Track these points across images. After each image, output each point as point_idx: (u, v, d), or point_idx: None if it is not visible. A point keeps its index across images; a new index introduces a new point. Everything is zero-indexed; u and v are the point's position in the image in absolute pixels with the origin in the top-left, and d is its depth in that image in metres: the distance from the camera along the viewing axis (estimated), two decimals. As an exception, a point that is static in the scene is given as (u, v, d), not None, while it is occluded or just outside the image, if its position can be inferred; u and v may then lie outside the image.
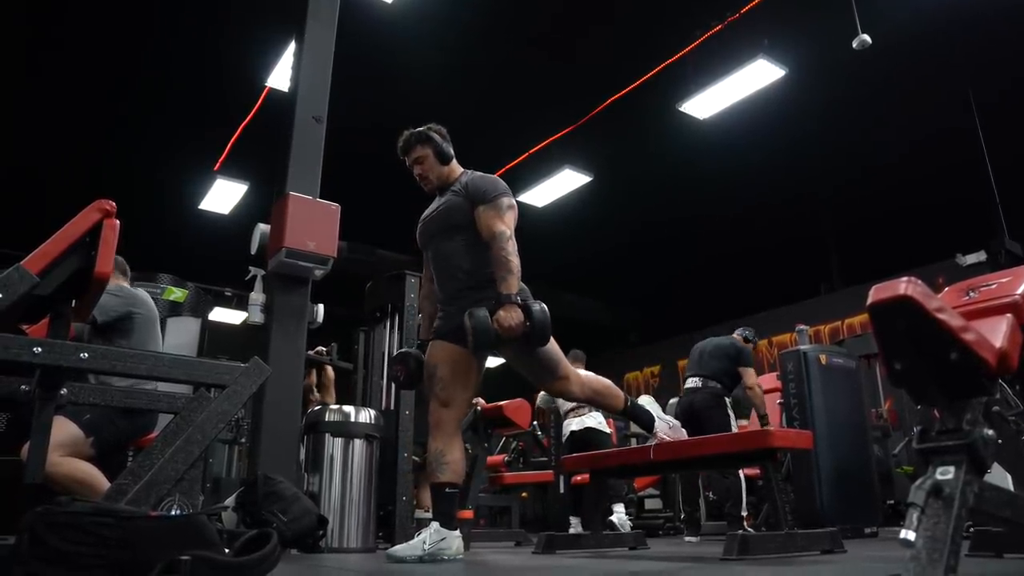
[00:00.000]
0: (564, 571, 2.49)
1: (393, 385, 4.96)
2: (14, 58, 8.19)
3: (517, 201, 3.05)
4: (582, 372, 3.29)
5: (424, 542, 2.68)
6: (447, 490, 2.81)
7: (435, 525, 2.74)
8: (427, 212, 3.19)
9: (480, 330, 2.65)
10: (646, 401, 3.51)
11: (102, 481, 2.84)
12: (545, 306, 2.79)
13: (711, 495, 7.29)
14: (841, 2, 7.05)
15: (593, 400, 3.28)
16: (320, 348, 6.19)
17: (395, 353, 3.14)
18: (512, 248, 2.83)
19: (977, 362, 1.23)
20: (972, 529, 2.41)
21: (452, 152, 3.17)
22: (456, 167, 3.17)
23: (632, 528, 5.84)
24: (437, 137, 3.12)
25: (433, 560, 2.66)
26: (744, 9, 7.63)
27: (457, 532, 2.79)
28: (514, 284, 2.78)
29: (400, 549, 2.71)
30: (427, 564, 2.63)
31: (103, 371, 2.28)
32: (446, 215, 3.02)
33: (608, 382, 3.29)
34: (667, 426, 3.38)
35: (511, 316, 2.70)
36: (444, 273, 3.05)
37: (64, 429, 2.90)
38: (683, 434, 3.45)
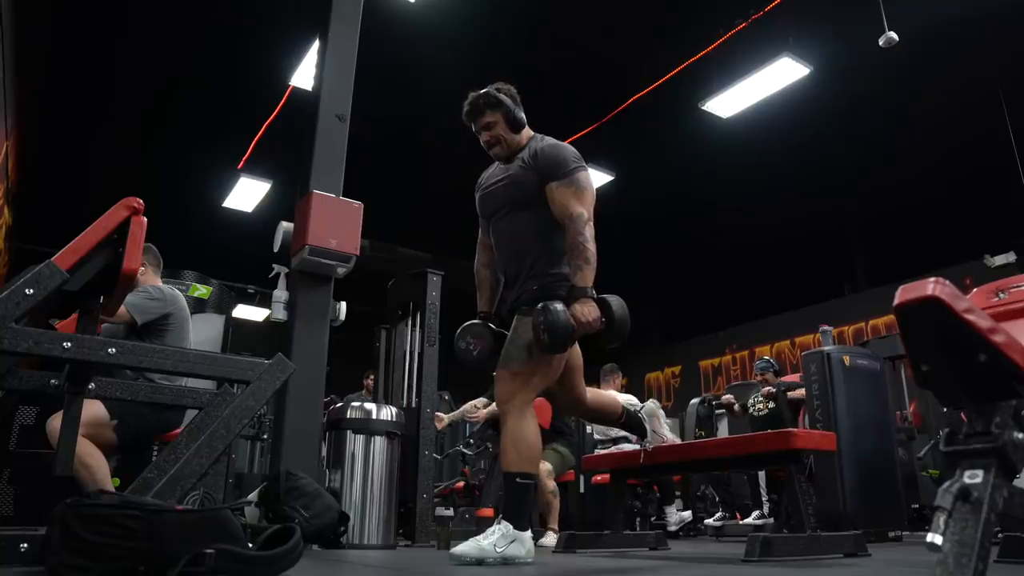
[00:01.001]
0: (582, 570, 2.49)
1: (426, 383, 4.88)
2: (44, 60, 8.31)
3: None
4: (590, 390, 3.05)
5: (495, 545, 2.37)
6: (518, 480, 2.49)
7: (507, 526, 2.42)
8: (489, 177, 2.89)
9: (558, 327, 2.38)
10: (651, 408, 3.47)
11: (105, 473, 2.86)
12: (623, 300, 2.56)
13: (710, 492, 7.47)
14: (867, -1, 6.97)
15: (596, 415, 3.16)
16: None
17: (465, 325, 2.79)
18: (590, 233, 2.53)
19: (1007, 364, 1.21)
20: (1001, 534, 2.38)
21: (524, 117, 2.80)
22: (527, 132, 2.83)
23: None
24: (508, 100, 2.76)
25: (505, 564, 2.37)
26: (769, 7, 7.56)
27: (529, 533, 2.50)
28: (590, 275, 2.51)
29: (468, 549, 2.39)
30: (444, 561, 2.56)
31: (130, 366, 2.31)
32: (513, 188, 2.71)
33: (612, 396, 3.20)
34: (661, 440, 3.36)
35: (588, 311, 2.45)
36: (507, 253, 2.76)
37: (89, 409, 2.92)
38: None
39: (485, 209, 2.88)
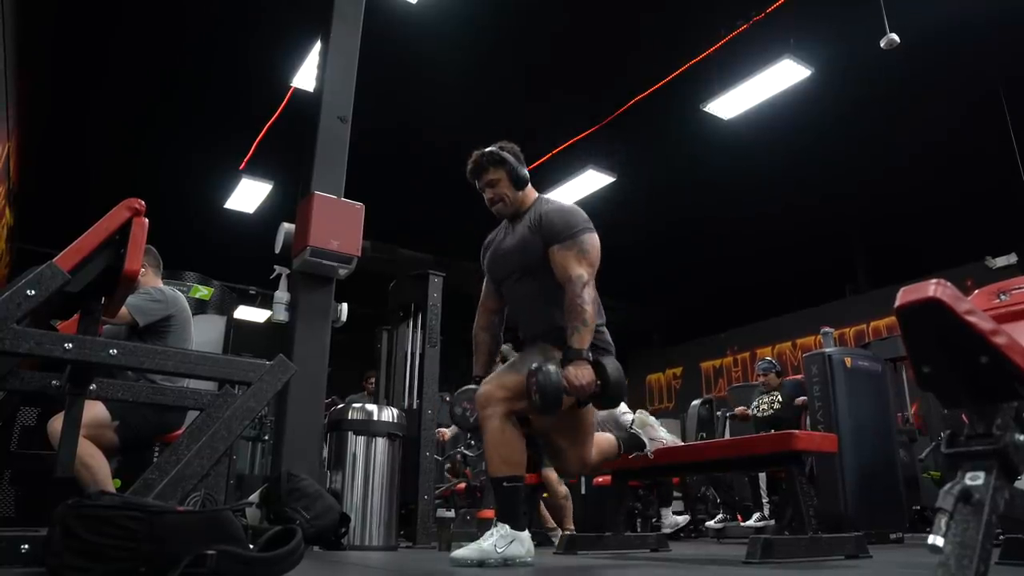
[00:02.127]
0: (584, 571, 2.49)
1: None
2: (45, 60, 8.32)
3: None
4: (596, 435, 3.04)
5: (495, 547, 2.42)
6: (505, 484, 2.53)
7: (504, 527, 2.47)
8: (496, 240, 2.91)
9: (549, 390, 2.36)
10: (641, 419, 3.47)
11: (106, 474, 2.87)
12: (619, 364, 2.56)
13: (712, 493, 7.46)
14: (868, 1, 6.96)
15: (601, 463, 3.14)
16: None
17: (462, 390, 2.84)
18: (588, 296, 2.53)
19: (1008, 366, 1.21)
20: (1002, 536, 2.38)
21: (527, 175, 2.82)
22: (531, 192, 2.85)
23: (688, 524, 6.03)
24: (512, 158, 2.79)
25: (507, 565, 2.43)
26: (770, 8, 7.56)
27: (527, 532, 2.55)
28: (587, 337, 2.50)
29: (468, 553, 2.43)
30: (445, 562, 2.57)
31: (131, 367, 2.31)
32: (520, 254, 2.73)
33: (609, 439, 3.17)
34: (660, 444, 3.37)
35: (582, 374, 2.43)
36: (522, 316, 2.83)
37: (90, 410, 2.92)
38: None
39: (495, 273, 2.90)
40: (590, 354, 2.51)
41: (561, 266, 2.59)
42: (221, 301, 7.65)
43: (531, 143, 9.96)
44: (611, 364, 2.52)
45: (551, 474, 4.85)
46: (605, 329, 2.75)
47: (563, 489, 4.85)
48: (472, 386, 2.83)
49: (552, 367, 2.40)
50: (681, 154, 10.36)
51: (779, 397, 6.37)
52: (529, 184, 2.84)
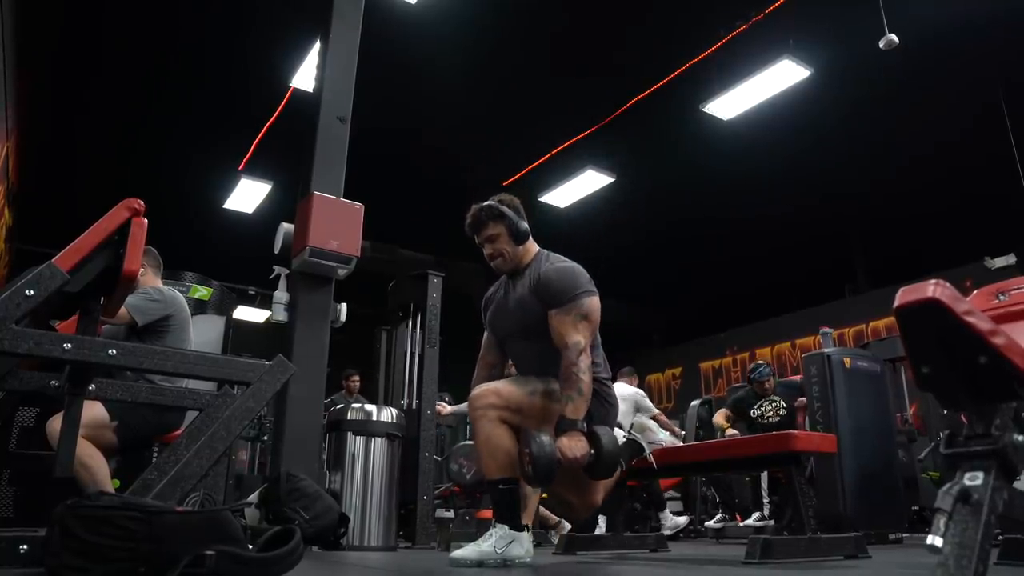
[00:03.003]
0: (584, 572, 2.49)
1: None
2: (45, 60, 8.32)
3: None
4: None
5: (494, 547, 2.42)
6: (500, 486, 2.53)
7: (503, 527, 2.48)
8: (497, 297, 2.85)
9: (542, 461, 2.31)
10: (639, 424, 3.49)
11: (105, 474, 2.86)
12: (613, 434, 2.52)
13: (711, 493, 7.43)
14: (868, 1, 6.97)
15: (607, 495, 3.11)
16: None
17: (459, 445, 2.90)
18: (584, 364, 2.46)
19: (1007, 366, 1.21)
20: (1001, 537, 2.38)
21: (528, 229, 2.75)
22: (532, 246, 2.78)
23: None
24: (511, 213, 2.72)
25: (507, 566, 2.43)
26: (769, 9, 7.56)
27: (526, 533, 2.54)
28: (582, 407, 2.44)
29: (468, 553, 2.43)
30: (444, 563, 2.57)
31: (130, 367, 2.31)
32: (520, 315, 2.69)
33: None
34: (660, 446, 3.38)
35: (576, 446, 2.39)
36: (525, 372, 2.78)
37: (89, 411, 2.91)
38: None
39: (496, 330, 2.87)
40: (585, 424, 2.45)
41: (558, 332, 2.53)
42: (220, 301, 7.64)
43: (531, 143, 10.03)
44: (606, 436, 2.47)
45: None
46: (608, 382, 2.73)
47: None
48: (469, 442, 2.79)
49: (546, 438, 2.36)
50: (680, 154, 10.36)
51: (783, 403, 6.27)
52: (530, 238, 2.78)
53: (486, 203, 2.75)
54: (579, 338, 2.49)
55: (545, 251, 2.80)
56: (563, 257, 2.75)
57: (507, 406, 2.54)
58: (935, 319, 1.17)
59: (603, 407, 2.62)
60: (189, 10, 7.87)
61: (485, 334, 2.93)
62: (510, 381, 2.67)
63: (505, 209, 2.72)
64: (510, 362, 2.92)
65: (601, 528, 5.78)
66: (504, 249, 2.72)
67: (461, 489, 6.58)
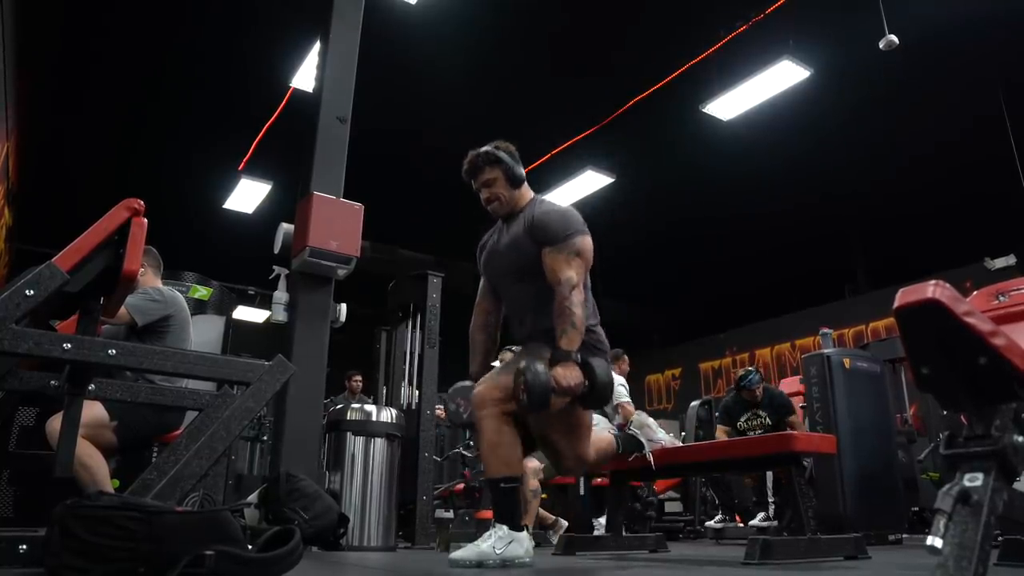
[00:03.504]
0: (583, 573, 2.49)
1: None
2: (45, 60, 8.32)
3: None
4: (593, 434, 3.04)
5: (494, 548, 2.43)
6: (502, 485, 2.55)
7: (502, 528, 2.49)
8: (491, 240, 2.90)
9: (536, 389, 2.35)
10: (640, 420, 3.47)
11: (104, 474, 2.86)
12: (607, 365, 2.58)
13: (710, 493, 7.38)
14: (868, 2, 6.97)
15: (600, 463, 3.17)
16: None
17: (456, 386, 2.88)
18: (577, 299, 2.52)
19: (1007, 367, 1.21)
20: (1001, 537, 2.38)
21: (523, 174, 2.82)
22: (527, 191, 2.84)
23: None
24: (507, 158, 2.78)
25: (506, 566, 2.43)
26: (769, 10, 7.56)
27: (525, 533, 2.56)
28: (576, 339, 2.49)
29: (467, 554, 2.43)
30: (444, 563, 2.57)
31: (130, 367, 2.31)
32: (514, 255, 2.73)
33: (607, 438, 3.19)
34: (659, 445, 3.37)
35: (570, 375, 2.44)
36: (514, 316, 2.84)
37: (89, 410, 2.90)
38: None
39: (490, 273, 2.91)
40: (579, 355, 2.51)
41: (552, 269, 2.58)
42: (220, 301, 7.64)
43: (530, 144, 10.00)
44: (600, 366, 2.53)
45: (529, 463, 4.82)
46: (599, 329, 2.76)
47: (535, 484, 4.80)
48: (467, 383, 2.86)
49: (540, 366, 2.39)
50: (680, 155, 10.36)
51: (768, 419, 6.01)
52: (525, 183, 2.84)
53: (483, 149, 2.81)
54: (571, 274, 2.55)
55: (539, 196, 2.86)
56: (556, 201, 2.84)
57: (509, 396, 2.54)
58: (935, 320, 1.17)
59: (590, 353, 2.63)
60: (189, 10, 7.87)
61: (481, 280, 2.98)
62: (504, 369, 2.69)
63: (502, 154, 2.78)
64: (498, 358, 2.92)
65: (600, 528, 5.77)
66: (500, 193, 2.78)
67: (461, 490, 6.59)
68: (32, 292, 1.85)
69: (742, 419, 6.14)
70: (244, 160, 10.33)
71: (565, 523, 5.36)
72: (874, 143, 9.89)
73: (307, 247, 4.34)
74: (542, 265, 2.62)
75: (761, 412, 6.06)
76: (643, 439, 3.33)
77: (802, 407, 6.09)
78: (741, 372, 6.29)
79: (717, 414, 6.72)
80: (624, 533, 3.96)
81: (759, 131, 9.17)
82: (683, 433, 8.16)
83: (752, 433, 5.97)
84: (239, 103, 9.16)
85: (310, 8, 5.54)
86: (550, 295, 2.58)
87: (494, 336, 2.98)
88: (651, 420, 3.48)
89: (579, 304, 2.52)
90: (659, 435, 3.43)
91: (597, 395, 2.52)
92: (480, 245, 2.96)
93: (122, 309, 3.03)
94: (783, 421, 5.93)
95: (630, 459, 3.40)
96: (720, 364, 14.45)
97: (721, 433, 6.23)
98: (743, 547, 2.85)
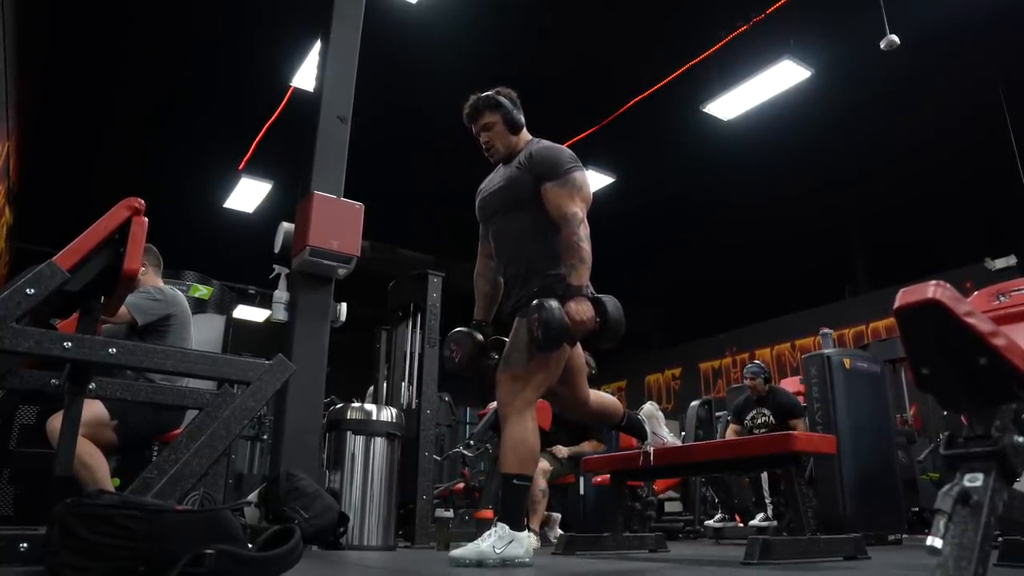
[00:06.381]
0: (581, 572, 2.49)
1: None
2: (45, 60, 8.32)
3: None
4: (592, 392, 3.08)
5: (493, 547, 2.40)
6: (515, 482, 2.52)
7: (503, 527, 2.45)
8: (488, 182, 2.92)
9: (553, 324, 2.36)
10: (649, 411, 3.47)
11: (105, 473, 2.86)
12: (617, 301, 2.55)
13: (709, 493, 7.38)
14: (868, 2, 6.97)
15: (598, 417, 3.16)
16: None
17: (452, 332, 2.85)
18: (584, 233, 2.55)
19: (1007, 368, 1.21)
20: (1001, 538, 2.37)
21: (523, 120, 2.84)
22: (525, 135, 2.86)
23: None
24: (507, 103, 2.81)
25: (505, 566, 2.40)
26: (770, 9, 7.56)
27: (526, 533, 2.53)
28: (585, 274, 2.52)
29: (467, 552, 2.41)
30: (443, 562, 2.57)
31: (130, 366, 2.31)
32: (510, 190, 2.73)
33: (614, 400, 3.19)
34: (661, 441, 3.36)
35: (582, 310, 2.45)
36: (507, 253, 2.80)
37: (89, 409, 2.90)
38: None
39: (483, 214, 2.91)
40: (590, 290, 2.53)
41: (555, 204, 2.60)
42: (221, 300, 7.64)
43: (531, 143, 10.02)
44: (610, 301, 2.53)
45: (539, 464, 4.83)
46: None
47: (543, 484, 4.80)
48: (463, 328, 2.86)
49: (554, 303, 2.40)
50: (681, 155, 10.36)
51: (772, 418, 6.02)
52: (524, 130, 2.86)
53: (484, 93, 2.84)
54: (576, 209, 2.57)
55: (536, 138, 2.87)
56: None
57: (526, 381, 2.56)
58: (935, 320, 1.17)
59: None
60: (190, 10, 7.87)
61: (480, 228, 2.97)
62: (507, 356, 2.66)
63: (502, 99, 2.81)
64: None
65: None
66: (500, 136, 2.81)
67: (461, 490, 6.59)
68: (33, 291, 1.85)
69: (748, 416, 6.20)
70: (245, 159, 10.33)
71: (559, 515, 5.36)
72: (875, 143, 9.89)
73: (307, 246, 4.33)
74: (539, 198, 2.64)
75: (765, 411, 6.10)
76: (648, 429, 3.32)
77: (803, 407, 6.09)
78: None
79: (727, 412, 6.72)
80: (624, 533, 3.96)
81: (760, 131, 9.17)
82: (683, 433, 8.14)
83: (758, 431, 5.99)
84: (240, 102, 9.16)
85: (310, 8, 5.54)
86: (546, 227, 2.62)
87: (495, 281, 2.97)
88: (660, 415, 3.48)
89: (586, 239, 2.55)
90: (663, 431, 3.42)
91: (610, 330, 2.51)
92: (479, 190, 2.97)
93: (123, 308, 3.04)
94: (786, 422, 5.91)
95: (637, 451, 3.37)
96: (720, 364, 14.45)
97: (731, 431, 6.28)
98: (743, 547, 2.85)
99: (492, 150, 2.84)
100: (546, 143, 2.79)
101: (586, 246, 2.54)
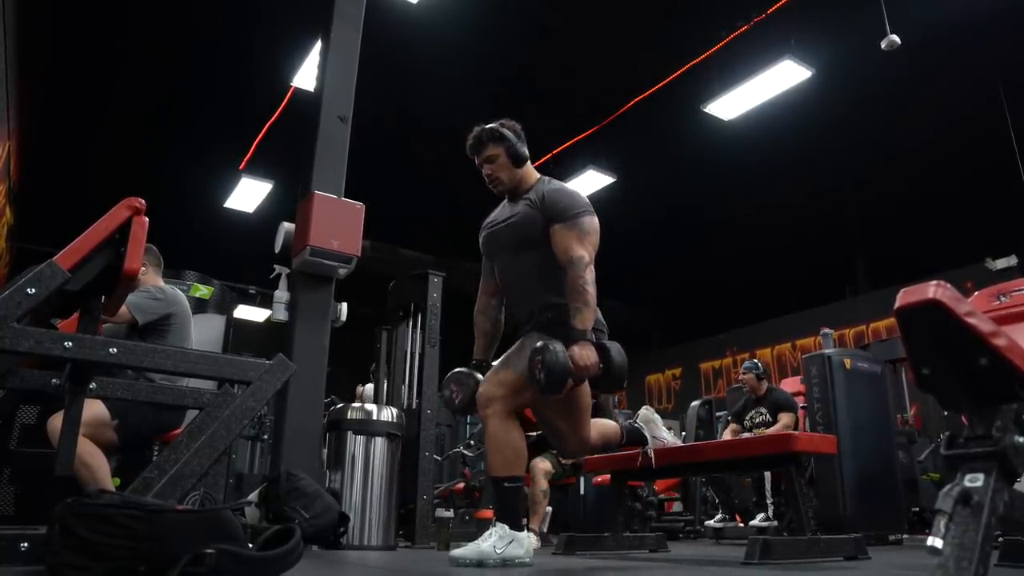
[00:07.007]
0: (583, 572, 2.49)
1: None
2: (46, 61, 8.32)
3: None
4: (592, 421, 3.03)
5: (494, 547, 2.41)
6: (505, 484, 2.54)
7: (503, 527, 2.47)
8: (495, 218, 2.88)
9: (555, 369, 2.34)
10: (645, 415, 3.47)
11: (105, 473, 2.86)
12: (621, 347, 2.55)
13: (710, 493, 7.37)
14: (869, 2, 6.96)
15: (601, 449, 3.12)
16: None
17: (451, 372, 2.84)
18: (590, 277, 2.53)
19: (1008, 368, 1.21)
20: (1001, 538, 2.37)
21: (527, 153, 2.82)
22: (531, 171, 2.83)
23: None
24: (511, 135, 2.78)
25: (505, 566, 2.42)
26: (770, 9, 7.56)
27: (526, 533, 2.55)
28: (590, 318, 2.50)
29: (467, 552, 2.43)
30: (444, 562, 2.58)
31: (131, 366, 2.31)
32: (519, 229, 2.69)
33: (613, 425, 3.16)
34: (662, 443, 3.37)
35: (586, 355, 2.42)
36: (514, 293, 2.81)
37: (90, 409, 2.89)
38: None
39: (489, 248, 2.87)
40: (594, 335, 2.51)
41: (563, 247, 2.57)
42: (221, 300, 7.64)
43: (532, 143, 10.01)
44: (614, 348, 2.52)
45: (541, 465, 4.83)
46: (598, 309, 2.73)
47: (544, 485, 4.80)
48: (463, 369, 2.83)
49: (559, 346, 2.37)
50: (681, 155, 10.36)
51: (769, 416, 6.06)
52: (529, 163, 2.83)
53: (488, 125, 2.81)
54: (583, 252, 2.55)
55: (546, 176, 2.85)
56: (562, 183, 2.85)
57: (513, 391, 2.55)
58: (936, 320, 1.17)
59: (598, 335, 2.60)
60: (190, 10, 7.87)
61: (483, 263, 2.96)
62: (504, 364, 2.66)
63: (506, 132, 2.78)
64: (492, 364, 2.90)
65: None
66: (503, 170, 2.78)
67: (461, 490, 6.59)
68: (33, 291, 1.85)
69: (748, 416, 6.23)
70: (245, 159, 10.33)
71: (549, 508, 5.34)
72: (875, 143, 9.89)
73: (308, 246, 4.33)
74: (547, 239, 2.62)
75: (763, 409, 6.14)
76: (648, 434, 3.32)
77: (803, 407, 6.08)
78: None
79: (727, 412, 6.73)
80: (624, 533, 3.96)
81: (760, 131, 9.17)
82: (683, 433, 8.14)
83: (756, 431, 6.02)
84: (240, 102, 9.17)
85: (311, 8, 5.54)
86: (553, 269, 2.59)
87: (496, 319, 2.95)
88: (657, 417, 3.47)
89: (592, 283, 2.53)
90: (663, 433, 3.42)
91: (613, 376, 2.49)
92: (483, 225, 2.94)
93: (123, 308, 3.04)
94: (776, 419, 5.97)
95: (638, 451, 3.37)
96: (720, 364, 14.45)
97: (730, 431, 6.29)
98: (743, 547, 2.85)
99: (496, 183, 2.81)
100: (558, 184, 2.78)
101: (592, 290, 2.52)
